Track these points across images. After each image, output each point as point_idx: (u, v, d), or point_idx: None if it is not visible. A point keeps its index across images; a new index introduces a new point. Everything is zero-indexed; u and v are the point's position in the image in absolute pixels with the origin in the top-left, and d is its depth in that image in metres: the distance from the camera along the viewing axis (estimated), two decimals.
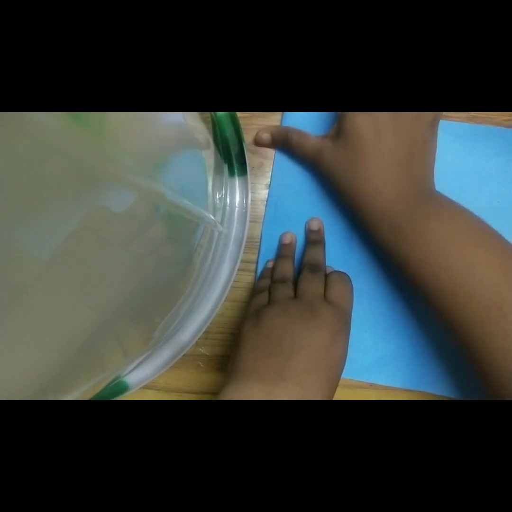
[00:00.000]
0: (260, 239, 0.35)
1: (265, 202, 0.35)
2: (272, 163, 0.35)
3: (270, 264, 0.34)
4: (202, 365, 0.35)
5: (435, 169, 0.33)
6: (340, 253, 0.34)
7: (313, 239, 0.33)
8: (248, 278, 0.35)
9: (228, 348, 0.35)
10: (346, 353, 0.27)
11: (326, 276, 0.30)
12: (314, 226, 0.34)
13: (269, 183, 0.35)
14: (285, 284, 0.30)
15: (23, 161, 0.11)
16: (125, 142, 0.17)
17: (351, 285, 0.30)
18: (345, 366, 0.33)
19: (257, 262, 0.35)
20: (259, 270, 0.35)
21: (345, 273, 0.31)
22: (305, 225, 0.34)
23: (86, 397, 0.21)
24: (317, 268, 0.31)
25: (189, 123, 0.28)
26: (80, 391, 0.19)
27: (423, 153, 0.29)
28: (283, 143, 0.33)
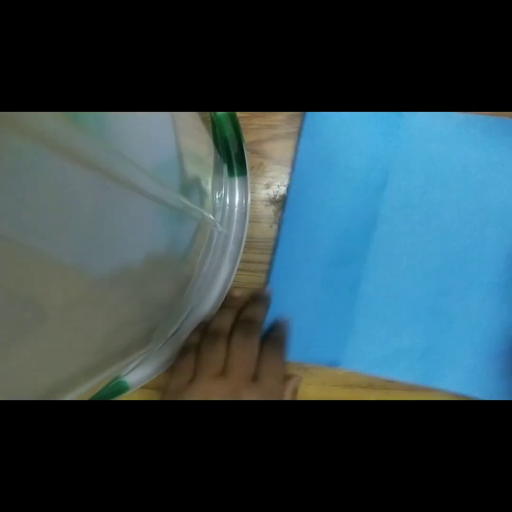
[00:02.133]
0: (277, 238, 0.34)
1: (265, 202, 0.35)
2: (271, 163, 0.35)
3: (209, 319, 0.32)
4: None
5: (459, 164, 0.33)
6: (359, 244, 0.34)
7: (257, 296, 0.32)
8: (247, 278, 0.35)
9: None
10: None
11: (261, 344, 0.29)
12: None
13: (269, 183, 0.35)
14: (215, 348, 0.28)
15: (23, 161, 0.11)
16: (124, 142, 0.17)
17: (285, 355, 0.29)
18: (359, 361, 0.33)
19: (271, 262, 0.34)
20: (274, 273, 0.34)
21: (279, 340, 0.30)
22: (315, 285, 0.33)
23: (86, 397, 0.21)
24: (251, 327, 0.29)
25: (189, 123, 0.28)
26: (80, 391, 0.19)
27: None
28: None
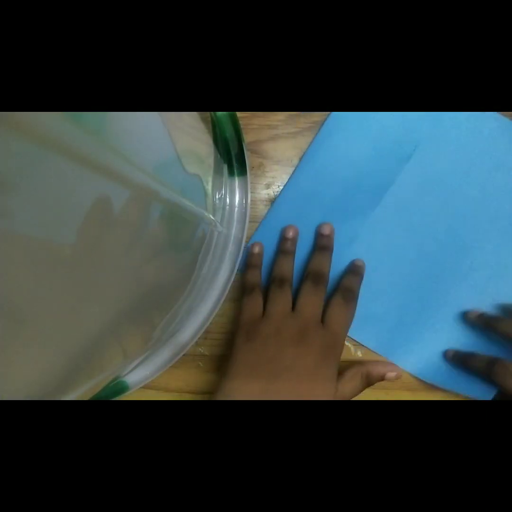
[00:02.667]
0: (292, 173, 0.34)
1: (265, 202, 0.35)
2: (271, 163, 0.35)
3: (256, 249, 0.33)
4: (202, 365, 0.35)
5: (488, 164, 0.33)
6: (366, 203, 0.34)
7: (322, 245, 0.33)
8: None
9: (228, 348, 0.35)
10: (335, 372, 0.28)
11: (330, 295, 0.31)
12: (326, 230, 0.33)
13: (269, 183, 0.35)
14: (283, 291, 0.30)
15: (22, 161, 0.11)
16: (124, 142, 0.17)
17: (354, 306, 0.31)
18: None
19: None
20: (277, 203, 0.34)
21: (351, 293, 0.31)
22: (316, 228, 0.34)
23: (86, 397, 0.21)
24: (320, 279, 0.31)
25: (189, 123, 0.28)
26: (80, 391, 0.19)
27: None
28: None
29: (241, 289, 0.33)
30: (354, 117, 0.34)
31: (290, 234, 0.33)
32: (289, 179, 0.35)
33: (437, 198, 0.34)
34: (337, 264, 0.34)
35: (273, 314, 0.29)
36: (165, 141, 0.23)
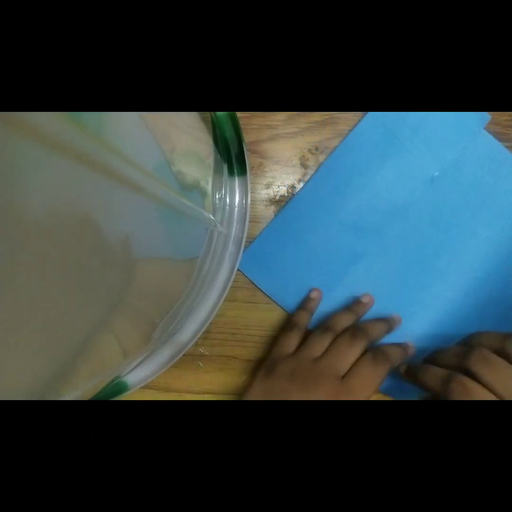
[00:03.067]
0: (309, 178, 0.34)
1: (265, 202, 0.35)
2: (271, 163, 0.35)
3: (314, 294, 0.33)
4: (202, 365, 0.35)
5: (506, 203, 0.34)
6: (378, 221, 0.34)
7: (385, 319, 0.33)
8: (247, 278, 0.35)
9: (228, 348, 0.35)
10: None
11: (364, 351, 0.29)
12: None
13: (269, 183, 0.35)
14: (321, 337, 0.30)
15: (22, 161, 0.11)
16: (124, 142, 0.17)
17: (383, 372, 0.28)
18: None
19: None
20: (289, 206, 0.34)
21: (385, 357, 0.29)
22: (327, 238, 0.34)
23: (86, 397, 0.21)
24: (360, 335, 0.29)
25: (189, 123, 0.28)
26: (80, 391, 0.19)
27: None
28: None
29: (284, 325, 0.34)
30: (380, 135, 0.34)
31: (366, 300, 0.33)
32: (304, 184, 0.35)
33: (444, 230, 0.34)
34: (339, 280, 0.34)
35: (299, 356, 0.29)
36: (165, 141, 0.23)
